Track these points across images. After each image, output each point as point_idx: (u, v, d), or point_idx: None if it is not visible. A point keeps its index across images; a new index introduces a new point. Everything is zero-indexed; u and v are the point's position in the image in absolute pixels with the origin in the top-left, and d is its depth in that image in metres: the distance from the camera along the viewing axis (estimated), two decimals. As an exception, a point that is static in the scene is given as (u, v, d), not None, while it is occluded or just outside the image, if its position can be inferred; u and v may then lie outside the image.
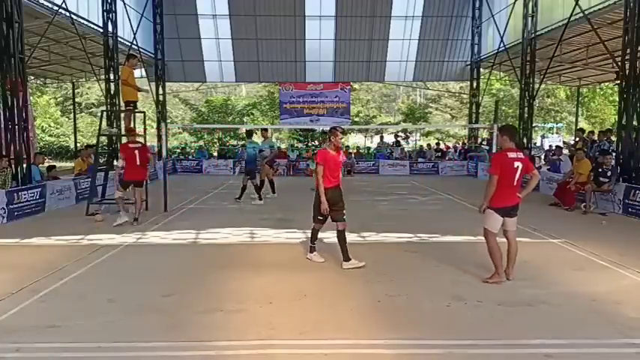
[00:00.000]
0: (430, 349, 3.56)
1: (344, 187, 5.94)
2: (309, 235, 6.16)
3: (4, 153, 9.65)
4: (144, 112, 11.06)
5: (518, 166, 4.91)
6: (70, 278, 5.23)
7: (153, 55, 21.00)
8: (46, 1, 12.85)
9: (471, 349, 3.54)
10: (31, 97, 22.57)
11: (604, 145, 11.82)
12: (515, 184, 4.94)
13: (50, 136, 31.00)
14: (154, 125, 24.80)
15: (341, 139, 5.80)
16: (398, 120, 33.98)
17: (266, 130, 12.59)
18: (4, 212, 8.65)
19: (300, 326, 3.94)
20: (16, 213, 8.93)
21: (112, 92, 15.84)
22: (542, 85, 18.17)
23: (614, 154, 10.56)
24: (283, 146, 26.92)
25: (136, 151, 8.51)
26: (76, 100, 26.88)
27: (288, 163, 20.25)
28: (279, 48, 21.86)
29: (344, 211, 5.77)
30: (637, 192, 9.29)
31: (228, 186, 14.46)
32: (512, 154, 4.96)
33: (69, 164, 19.86)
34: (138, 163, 8.49)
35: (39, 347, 3.58)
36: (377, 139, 30.57)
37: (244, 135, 11.68)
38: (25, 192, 9.34)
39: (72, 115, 26.58)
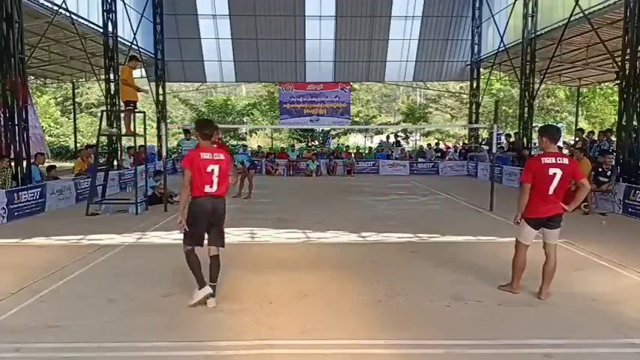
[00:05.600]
0: (430, 349, 3.56)
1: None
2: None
3: (4, 153, 9.65)
4: (144, 112, 11.06)
5: (555, 173, 4.28)
6: (70, 278, 5.23)
7: (153, 55, 21.00)
8: (46, 1, 12.85)
9: (470, 349, 3.54)
10: (33, 97, 22.57)
11: (604, 145, 11.83)
12: (551, 193, 4.33)
13: (50, 136, 30.98)
14: (154, 125, 24.80)
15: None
16: (398, 120, 33.99)
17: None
18: (4, 212, 8.65)
19: (300, 326, 3.94)
20: (16, 213, 8.93)
21: (112, 92, 15.85)
22: (542, 85, 18.17)
23: (614, 154, 10.56)
24: (283, 146, 26.97)
25: None
26: (76, 100, 26.90)
27: (288, 163, 20.24)
28: (279, 48, 21.85)
29: None
30: (637, 192, 9.29)
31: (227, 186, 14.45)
32: (548, 159, 4.32)
33: (69, 164, 19.85)
34: None
35: (39, 347, 3.58)
36: (377, 138, 30.63)
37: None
38: (25, 192, 9.33)
39: (72, 115, 26.61)
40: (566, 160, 4.38)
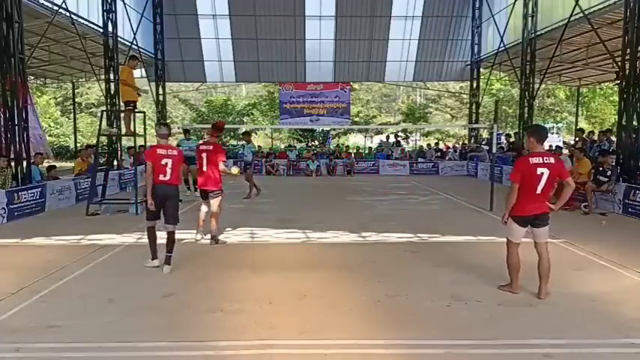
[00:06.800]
0: (430, 349, 3.56)
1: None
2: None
3: (4, 153, 9.64)
4: (144, 112, 11.06)
5: (542, 173, 4.39)
6: (70, 278, 5.23)
7: (153, 55, 21.01)
8: (46, 1, 12.86)
9: (470, 349, 3.54)
10: (33, 97, 22.58)
11: (604, 145, 11.82)
12: (539, 192, 4.44)
13: (50, 136, 30.99)
14: (154, 125, 24.78)
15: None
16: (398, 120, 33.99)
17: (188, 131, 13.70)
18: (4, 212, 8.65)
19: (299, 326, 3.94)
20: (16, 213, 8.93)
21: (112, 92, 15.85)
22: (542, 85, 18.17)
23: (614, 154, 10.56)
24: (282, 146, 26.98)
25: (204, 154, 6.94)
26: (76, 100, 26.89)
27: (288, 163, 20.24)
28: (279, 48, 21.86)
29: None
30: (637, 192, 9.29)
31: (228, 186, 14.45)
32: (535, 159, 4.44)
33: (69, 164, 19.85)
34: (204, 169, 6.92)
35: (39, 347, 3.58)
36: (377, 138, 30.62)
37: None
38: (25, 192, 9.33)
39: (72, 115, 26.61)
40: (552, 160, 4.49)
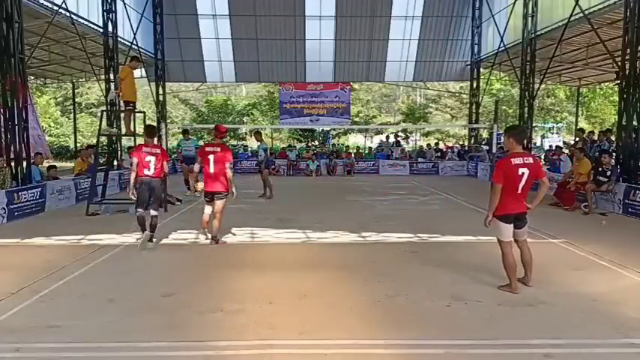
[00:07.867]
0: (430, 349, 3.56)
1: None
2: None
3: (3, 153, 9.64)
4: (144, 112, 11.06)
5: (523, 173, 4.53)
6: (70, 278, 5.23)
7: (153, 55, 21.01)
8: (46, 1, 12.86)
9: (470, 349, 3.54)
10: (33, 98, 22.59)
11: (604, 145, 11.83)
12: (519, 191, 4.59)
13: (50, 136, 31.02)
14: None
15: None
16: (398, 120, 34.01)
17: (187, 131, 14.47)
18: (4, 212, 8.65)
19: (299, 326, 3.93)
20: (16, 213, 8.93)
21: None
22: (542, 85, 18.17)
23: (614, 154, 10.56)
24: (282, 146, 27.00)
25: (211, 156, 6.80)
26: (76, 100, 26.91)
27: (288, 163, 20.24)
28: (279, 48, 21.88)
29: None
30: (637, 192, 9.28)
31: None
32: (516, 160, 4.56)
33: (69, 164, 19.86)
34: (211, 170, 6.80)
35: (39, 347, 3.58)
36: (377, 138, 30.64)
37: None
38: (25, 192, 9.33)
39: (72, 115, 26.63)
40: (531, 160, 4.63)
